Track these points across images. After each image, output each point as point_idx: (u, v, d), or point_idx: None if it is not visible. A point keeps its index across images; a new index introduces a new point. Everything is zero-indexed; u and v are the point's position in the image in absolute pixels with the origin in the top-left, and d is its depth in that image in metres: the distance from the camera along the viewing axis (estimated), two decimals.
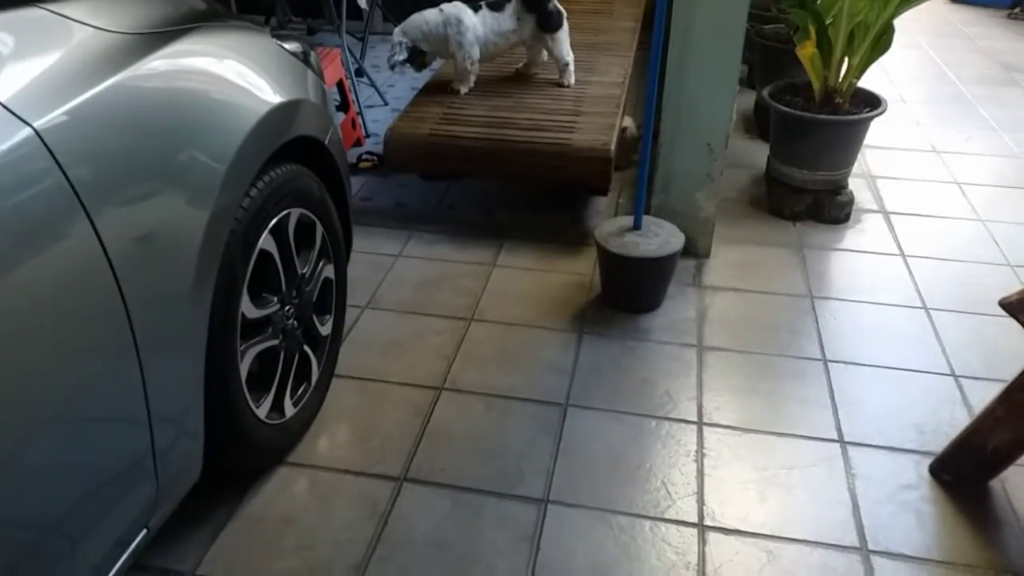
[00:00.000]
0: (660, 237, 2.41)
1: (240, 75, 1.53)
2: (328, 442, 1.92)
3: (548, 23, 2.96)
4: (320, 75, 1.96)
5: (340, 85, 3.40)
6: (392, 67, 2.91)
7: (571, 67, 3.09)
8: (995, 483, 1.81)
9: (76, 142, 1.12)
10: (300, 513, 1.72)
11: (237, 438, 1.60)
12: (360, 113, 3.60)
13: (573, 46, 3.09)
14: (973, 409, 2.02)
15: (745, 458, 1.88)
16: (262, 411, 1.67)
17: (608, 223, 2.49)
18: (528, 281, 2.58)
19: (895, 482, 1.82)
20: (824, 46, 2.78)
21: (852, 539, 1.68)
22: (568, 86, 3.10)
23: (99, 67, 1.22)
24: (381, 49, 4.83)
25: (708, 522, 1.72)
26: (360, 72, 4.06)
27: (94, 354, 1.15)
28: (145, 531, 1.34)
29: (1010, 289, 1.68)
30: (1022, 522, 1.73)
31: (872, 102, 2.92)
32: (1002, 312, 1.65)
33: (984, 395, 1.86)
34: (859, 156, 3.02)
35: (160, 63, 1.34)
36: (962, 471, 1.81)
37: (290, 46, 1.82)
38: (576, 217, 2.97)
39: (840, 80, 2.87)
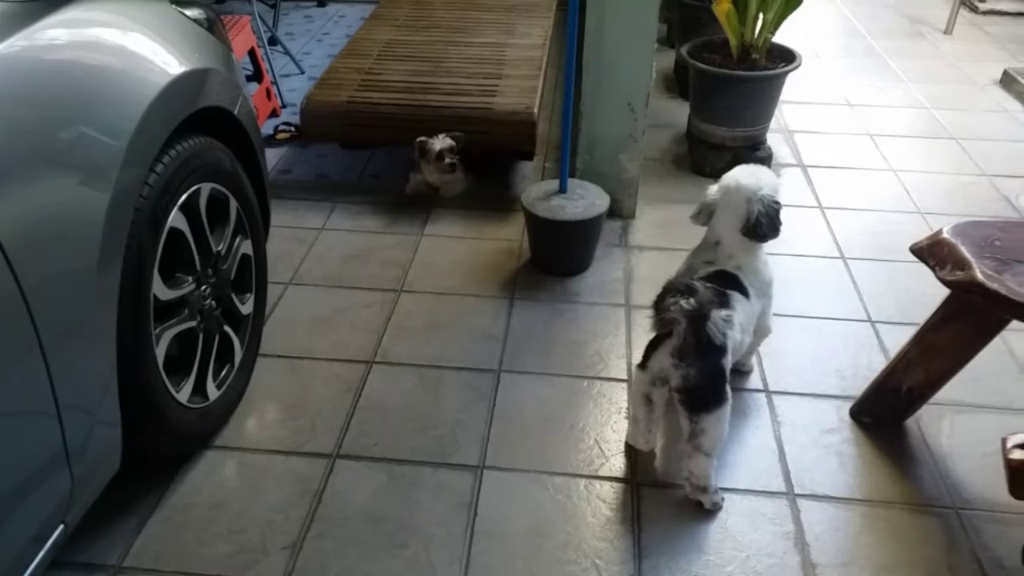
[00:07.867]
0: (585, 199, 2.41)
1: (138, 44, 1.45)
2: (256, 423, 1.87)
3: None
4: (227, 42, 1.88)
5: (252, 54, 3.27)
6: None
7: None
8: (911, 422, 1.89)
9: None
10: (229, 497, 1.68)
11: (157, 425, 1.54)
12: (275, 83, 3.48)
13: (493, 8, 3.02)
14: (889, 353, 2.10)
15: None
16: (183, 395, 1.62)
17: (534, 187, 2.48)
18: (457, 249, 2.55)
19: (818, 427, 1.88)
20: (739, 2, 2.80)
21: (779, 484, 1.73)
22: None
23: None
24: (295, 16, 4.68)
25: (642, 478, 1.75)
26: (273, 40, 3.91)
27: None
28: (62, 526, 1.29)
29: (921, 236, 1.74)
30: (936, 458, 1.81)
31: (787, 57, 2.97)
32: (914, 258, 1.71)
33: (899, 339, 1.93)
34: (776, 111, 3.07)
35: (49, 33, 1.25)
36: (880, 413, 1.88)
37: (192, 13, 1.73)
38: (503, 183, 2.95)
39: (756, 36, 2.90)
